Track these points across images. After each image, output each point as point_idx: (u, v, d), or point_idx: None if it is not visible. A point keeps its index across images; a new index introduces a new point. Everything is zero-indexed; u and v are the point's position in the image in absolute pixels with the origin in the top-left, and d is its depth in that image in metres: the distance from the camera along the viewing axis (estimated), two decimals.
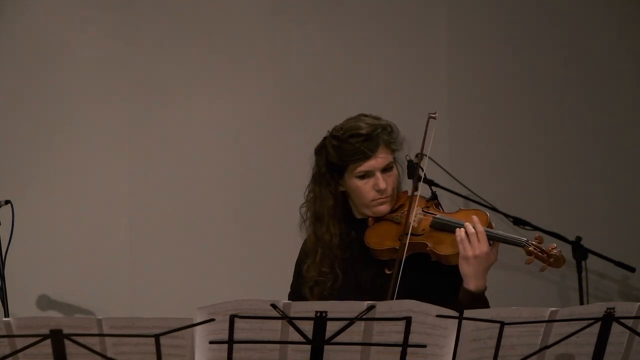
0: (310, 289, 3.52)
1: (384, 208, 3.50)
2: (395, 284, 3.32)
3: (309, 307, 2.82)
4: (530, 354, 2.94)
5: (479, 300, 3.33)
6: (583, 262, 5.22)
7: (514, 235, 3.39)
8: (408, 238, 3.38)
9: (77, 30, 5.13)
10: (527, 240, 3.36)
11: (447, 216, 3.45)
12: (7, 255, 4.22)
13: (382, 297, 3.28)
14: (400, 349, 2.87)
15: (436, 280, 3.41)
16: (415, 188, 3.45)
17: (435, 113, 3.46)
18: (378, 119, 3.56)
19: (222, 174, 5.26)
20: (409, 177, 3.58)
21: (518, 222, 5.26)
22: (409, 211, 3.43)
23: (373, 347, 2.87)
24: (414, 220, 3.43)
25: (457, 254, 3.35)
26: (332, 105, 5.20)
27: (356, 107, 5.35)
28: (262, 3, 5.30)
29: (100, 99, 5.16)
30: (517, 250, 5.42)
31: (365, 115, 3.57)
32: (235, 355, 2.84)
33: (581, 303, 5.18)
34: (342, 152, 3.48)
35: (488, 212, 3.47)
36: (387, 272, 3.41)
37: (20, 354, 2.78)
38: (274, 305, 2.80)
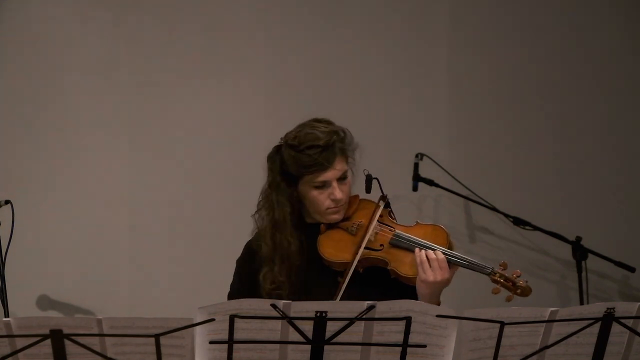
0: (268, 296, 3.48)
1: (338, 216, 3.50)
2: (338, 295, 3.34)
3: (309, 307, 2.82)
4: (530, 354, 2.94)
5: None
6: (583, 262, 5.21)
7: (478, 262, 3.37)
8: (360, 252, 3.38)
9: (77, 30, 5.13)
10: (493, 269, 3.34)
11: (406, 233, 3.44)
12: (7, 255, 4.23)
13: None
14: (400, 349, 2.87)
15: (392, 295, 3.40)
16: (385, 197, 3.47)
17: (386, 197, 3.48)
18: (331, 123, 3.55)
19: (222, 173, 5.26)
20: (367, 192, 3.54)
21: (518, 222, 5.26)
22: (368, 226, 3.42)
23: (373, 347, 2.87)
24: (367, 235, 3.42)
25: None
26: (331, 105, 5.19)
27: (356, 107, 5.37)
28: (262, 3, 5.30)
29: (100, 99, 5.16)
30: (516, 251, 5.46)
31: (319, 121, 3.56)
32: (235, 355, 2.84)
33: (581, 303, 5.17)
34: (299, 163, 3.48)
35: (447, 229, 3.46)
36: (339, 279, 3.40)
37: (20, 354, 2.78)
38: (274, 305, 2.80)
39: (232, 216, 5.25)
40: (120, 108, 5.18)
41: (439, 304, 3.33)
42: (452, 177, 5.27)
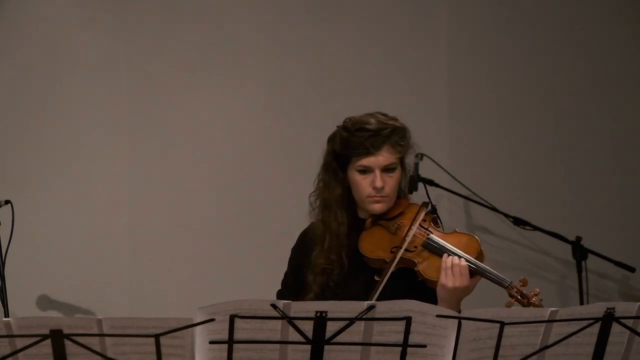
0: (314, 276, 3.52)
1: (379, 207, 3.52)
2: (375, 294, 3.37)
3: (309, 307, 2.82)
4: (530, 354, 2.94)
5: None
6: (583, 262, 5.21)
7: (499, 274, 3.41)
8: (399, 254, 3.43)
9: (77, 30, 5.13)
10: (511, 283, 3.38)
11: (440, 238, 3.48)
12: (7, 255, 4.23)
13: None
14: (400, 349, 2.87)
15: (420, 297, 3.43)
16: (428, 204, 3.53)
17: None
18: (394, 119, 3.58)
19: (223, 173, 5.26)
20: (410, 193, 3.64)
21: (518, 222, 5.26)
22: (409, 229, 3.47)
23: (373, 347, 2.87)
24: (408, 238, 3.47)
25: None
26: (331, 106, 5.19)
27: (356, 107, 5.35)
28: (262, 3, 5.30)
29: (100, 99, 5.16)
30: (516, 251, 5.46)
31: (383, 114, 3.58)
32: (235, 355, 2.84)
33: (581, 303, 5.18)
34: (347, 143, 3.51)
35: (478, 240, 3.49)
36: (376, 278, 3.45)
37: (20, 354, 2.78)
38: (274, 305, 2.80)
39: (232, 216, 5.25)
40: (120, 108, 5.18)
41: (459, 312, 3.35)
42: (452, 177, 5.27)
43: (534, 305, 3.34)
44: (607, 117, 5.53)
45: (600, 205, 5.51)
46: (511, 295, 3.37)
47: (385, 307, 2.84)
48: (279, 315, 2.80)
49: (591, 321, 2.92)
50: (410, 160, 3.61)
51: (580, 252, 5.22)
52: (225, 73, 5.27)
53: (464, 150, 5.44)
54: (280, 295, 3.62)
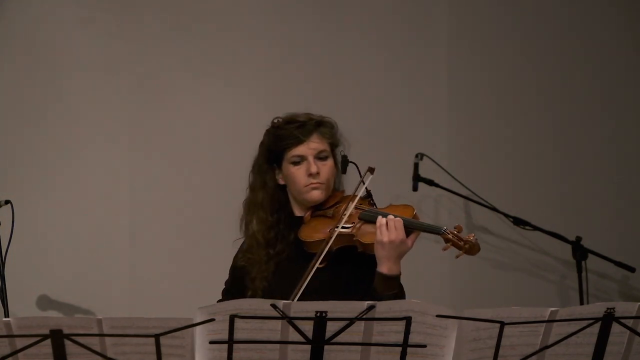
0: (252, 282, 3.58)
1: (317, 194, 3.57)
2: (310, 271, 3.41)
3: (309, 307, 2.83)
4: (530, 354, 2.94)
5: (392, 284, 3.40)
6: (583, 262, 5.21)
7: (432, 223, 3.50)
8: (336, 232, 3.46)
9: (77, 30, 5.13)
10: (446, 229, 3.42)
11: (376, 209, 3.54)
12: (7, 255, 4.23)
13: (315, 293, 3.32)
14: (400, 349, 2.87)
15: (364, 272, 3.47)
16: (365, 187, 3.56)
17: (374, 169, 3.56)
18: (322, 116, 3.65)
19: (223, 173, 5.26)
20: (343, 173, 3.67)
21: (518, 222, 5.26)
22: (346, 207, 3.51)
23: (373, 347, 2.87)
24: (345, 215, 3.50)
25: None
26: (331, 105, 5.17)
27: (356, 107, 5.38)
28: (263, 3, 5.30)
29: (100, 99, 5.16)
30: (516, 251, 5.46)
31: (312, 114, 3.66)
32: (235, 355, 2.84)
33: (581, 303, 5.17)
34: (277, 138, 3.61)
35: (414, 207, 3.55)
36: (319, 265, 3.45)
37: (20, 354, 2.78)
38: (274, 305, 2.81)
39: (232, 216, 5.24)
40: (120, 108, 5.18)
41: (399, 272, 3.42)
42: (452, 177, 5.27)
43: (471, 244, 3.37)
44: (607, 117, 5.53)
45: (600, 205, 5.51)
46: (447, 240, 3.41)
47: (386, 307, 2.85)
48: (279, 315, 2.81)
49: (591, 321, 2.93)
50: (350, 158, 3.65)
51: (580, 252, 5.22)
52: (226, 73, 5.26)
53: (464, 150, 5.44)
54: None
